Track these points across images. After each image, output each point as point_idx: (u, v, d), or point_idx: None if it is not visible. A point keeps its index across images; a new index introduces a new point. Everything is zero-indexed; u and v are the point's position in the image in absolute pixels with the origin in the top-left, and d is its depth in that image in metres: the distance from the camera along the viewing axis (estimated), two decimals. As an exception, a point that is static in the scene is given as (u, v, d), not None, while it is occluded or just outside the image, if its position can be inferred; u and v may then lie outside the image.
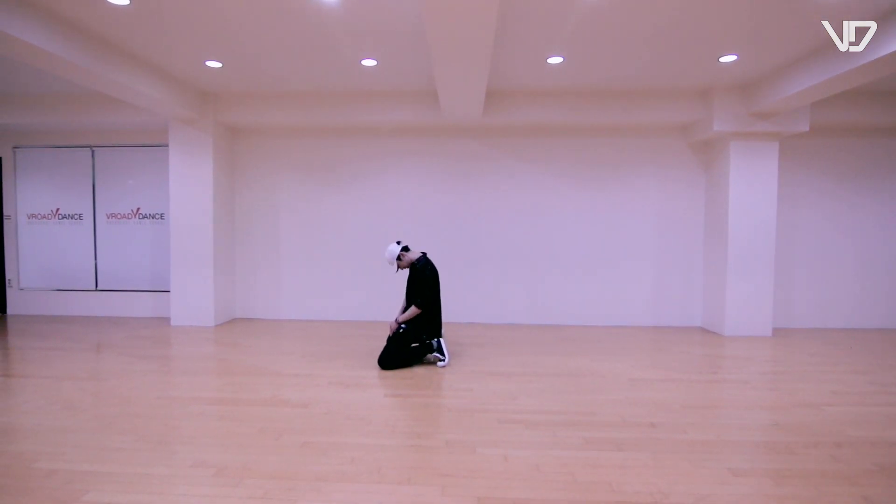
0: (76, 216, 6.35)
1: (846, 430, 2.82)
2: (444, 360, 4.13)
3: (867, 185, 5.83)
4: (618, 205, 5.94)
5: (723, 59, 4.37)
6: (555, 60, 4.44)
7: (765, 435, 2.80)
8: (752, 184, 5.34)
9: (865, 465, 2.41)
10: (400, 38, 3.98)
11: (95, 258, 6.34)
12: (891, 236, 5.84)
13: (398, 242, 4.21)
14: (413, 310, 4.08)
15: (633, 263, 5.95)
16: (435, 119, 5.54)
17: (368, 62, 4.54)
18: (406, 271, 4.53)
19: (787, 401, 3.34)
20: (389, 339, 4.16)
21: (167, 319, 6.02)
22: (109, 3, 3.38)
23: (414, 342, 4.15)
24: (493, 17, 3.05)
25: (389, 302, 6.07)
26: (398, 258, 4.18)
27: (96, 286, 6.35)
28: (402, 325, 4.13)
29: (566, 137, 5.94)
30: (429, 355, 4.24)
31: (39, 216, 6.39)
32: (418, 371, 3.97)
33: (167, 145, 5.89)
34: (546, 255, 6.00)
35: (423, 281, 4.09)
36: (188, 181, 5.65)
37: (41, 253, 6.40)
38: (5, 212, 6.44)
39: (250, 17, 3.63)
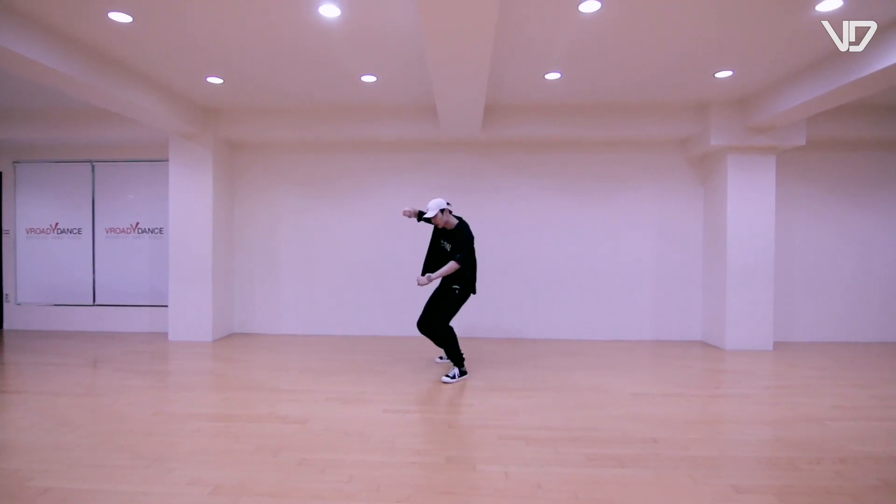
0: (75, 230, 6.35)
1: (849, 446, 2.79)
2: (452, 378, 4.05)
3: (865, 199, 5.86)
4: (617, 219, 5.96)
5: (718, 75, 4.43)
6: (552, 76, 4.50)
7: (768, 451, 2.77)
8: (750, 197, 5.37)
9: (869, 480, 2.38)
10: (399, 54, 4.03)
11: (94, 273, 6.33)
12: (890, 249, 5.86)
13: (448, 203, 4.14)
14: (452, 265, 3.97)
15: (632, 277, 5.95)
16: (434, 134, 5.58)
17: (368, 78, 4.59)
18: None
19: (789, 416, 3.31)
20: (443, 306, 4.10)
21: (165, 334, 5.98)
22: (112, 20, 3.42)
23: (456, 297, 4.09)
24: (491, 35, 3.09)
25: (389, 316, 6.05)
26: (440, 211, 4.05)
27: (94, 301, 6.32)
28: (456, 287, 4.06)
29: (565, 152, 5.98)
30: (440, 359, 4.45)
31: (38, 230, 6.39)
32: (418, 386, 3.94)
33: (167, 160, 5.92)
34: (545, 268, 6.00)
35: (464, 240, 4.03)
36: (188, 196, 5.66)
37: (39, 267, 6.38)
38: (4, 226, 6.44)
39: (251, 34, 3.68)
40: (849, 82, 3.78)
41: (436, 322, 4.11)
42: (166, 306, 6.08)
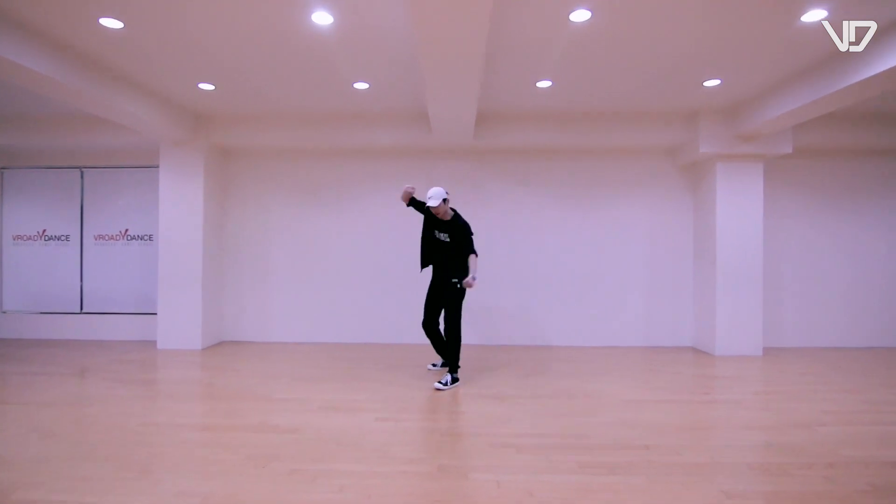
0: (63, 237, 6.27)
1: (839, 450, 2.81)
2: (445, 385, 4.04)
3: (850, 205, 5.95)
4: (608, 225, 6.00)
5: (707, 84, 4.48)
6: (543, 84, 4.53)
7: (758, 456, 2.78)
8: (739, 204, 5.42)
9: (859, 485, 2.40)
10: (392, 62, 4.04)
11: (81, 280, 6.25)
12: (876, 254, 5.94)
13: (447, 192, 4.15)
14: (474, 259, 4.07)
15: (623, 283, 5.98)
16: (427, 141, 5.59)
17: (361, 85, 4.59)
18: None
19: (779, 421, 3.33)
20: (447, 304, 4.15)
21: (153, 343, 5.90)
22: (103, 26, 3.40)
23: (458, 291, 4.15)
24: (483, 44, 3.12)
25: (381, 323, 6.02)
26: (443, 200, 4.05)
27: (81, 309, 6.24)
28: (456, 280, 4.10)
29: (556, 159, 6.02)
30: (432, 367, 4.52)
31: (25, 237, 6.30)
32: (410, 394, 3.92)
33: (157, 166, 5.87)
34: (537, 275, 6.01)
35: (468, 232, 4.11)
36: (178, 202, 5.61)
37: (26, 275, 6.29)
38: (-10, 233, 6.35)
39: (244, 41, 3.67)
40: (833, 92, 3.84)
41: (449, 323, 4.16)
42: (155, 314, 6.00)
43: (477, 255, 4.14)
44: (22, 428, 3.12)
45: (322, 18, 3.30)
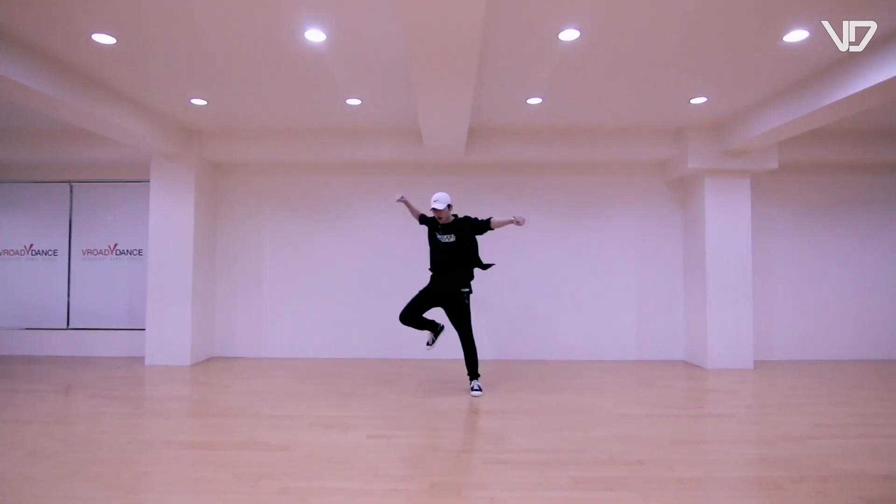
0: (50, 252, 6.20)
1: (831, 464, 2.82)
2: (479, 390, 4.25)
3: (836, 219, 6.05)
4: (599, 240, 6.04)
5: (693, 101, 4.58)
6: (534, 101, 4.60)
7: (752, 470, 2.78)
8: (727, 219, 5.50)
9: (852, 499, 2.40)
10: (384, 78, 4.09)
11: (68, 295, 6.16)
12: (863, 267, 6.03)
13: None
14: (496, 220, 4.15)
15: (615, 298, 6.00)
16: (419, 156, 5.63)
17: (353, 101, 4.63)
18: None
19: (771, 434, 3.34)
20: (459, 314, 4.28)
21: (141, 359, 5.81)
22: (96, 41, 3.41)
23: (466, 302, 4.33)
24: (475, 61, 3.17)
25: (374, 339, 5.99)
26: (448, 205, 4.20)
27: (68, 324, 6.14)
28: (465, 290, 4.30)
29: (548, 174, 6.08)
30: (428, 346, 4.59)
31: (12, 252, 6.22)
32: (403, 410, 3.88)
33: (148, 181, 5.84)
34: (529, 290, 6.02)
35: (474, 220, 4.28)
36: (169, 217, 5.58)
37: (12, 290, 6.19)
38: (-24, 248, 6.26)
39: (236, 58, 3.70)
40: (816, 109, 3.94)
41: (465, 336, 4.29)
42: (144, 330, 5.92)
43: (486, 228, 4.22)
44: (5, 447, 3.04)
45: (315, 36, 3.34)
